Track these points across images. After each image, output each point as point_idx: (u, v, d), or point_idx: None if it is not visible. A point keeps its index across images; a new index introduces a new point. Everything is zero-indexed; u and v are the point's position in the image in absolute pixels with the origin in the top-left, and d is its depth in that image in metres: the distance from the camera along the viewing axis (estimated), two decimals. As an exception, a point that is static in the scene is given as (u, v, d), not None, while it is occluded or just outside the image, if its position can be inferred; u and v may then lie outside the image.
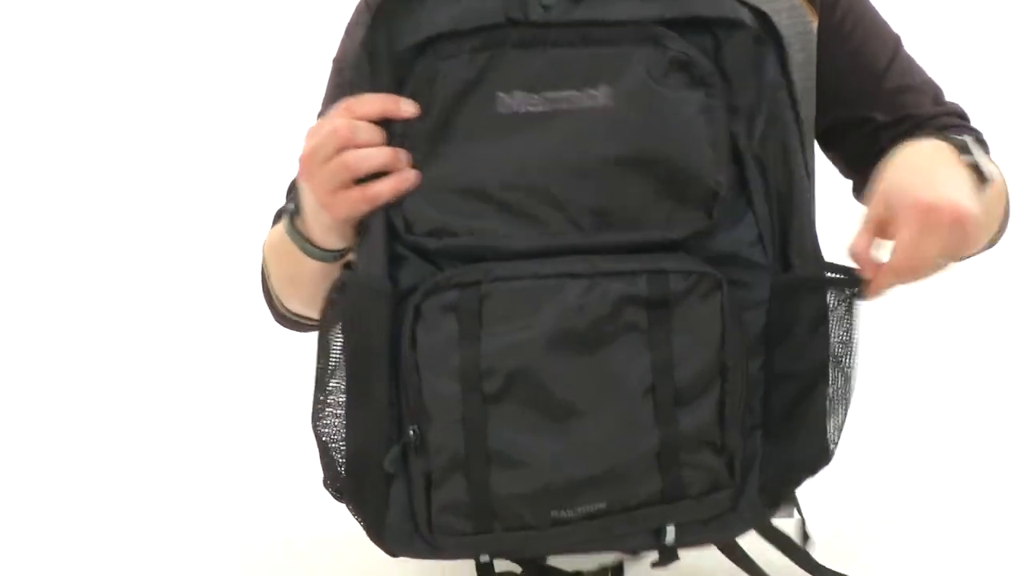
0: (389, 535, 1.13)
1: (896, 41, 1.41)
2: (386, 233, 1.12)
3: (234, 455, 2.36)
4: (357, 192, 1.11)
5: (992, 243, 1.41)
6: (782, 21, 1.33)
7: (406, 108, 1.10)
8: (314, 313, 1.32)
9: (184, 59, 2.53)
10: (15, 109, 2.53)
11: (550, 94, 1.08)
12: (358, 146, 1.10)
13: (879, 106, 1.32)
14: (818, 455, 1.13)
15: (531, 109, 1.08)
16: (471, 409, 1.07)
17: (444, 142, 1.10)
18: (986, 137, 1.37)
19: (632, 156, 1.08)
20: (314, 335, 1.17)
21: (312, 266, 1.26)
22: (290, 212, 1.26)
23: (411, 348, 1.09)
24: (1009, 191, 1.40)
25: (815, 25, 1.36)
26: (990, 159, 1.32)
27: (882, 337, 2.21)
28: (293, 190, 1.45)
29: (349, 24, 1.44)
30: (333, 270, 1.20)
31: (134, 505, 2.31)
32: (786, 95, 1.11)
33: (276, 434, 2.24)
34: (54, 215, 2.51)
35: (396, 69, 1.10)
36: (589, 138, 1.08)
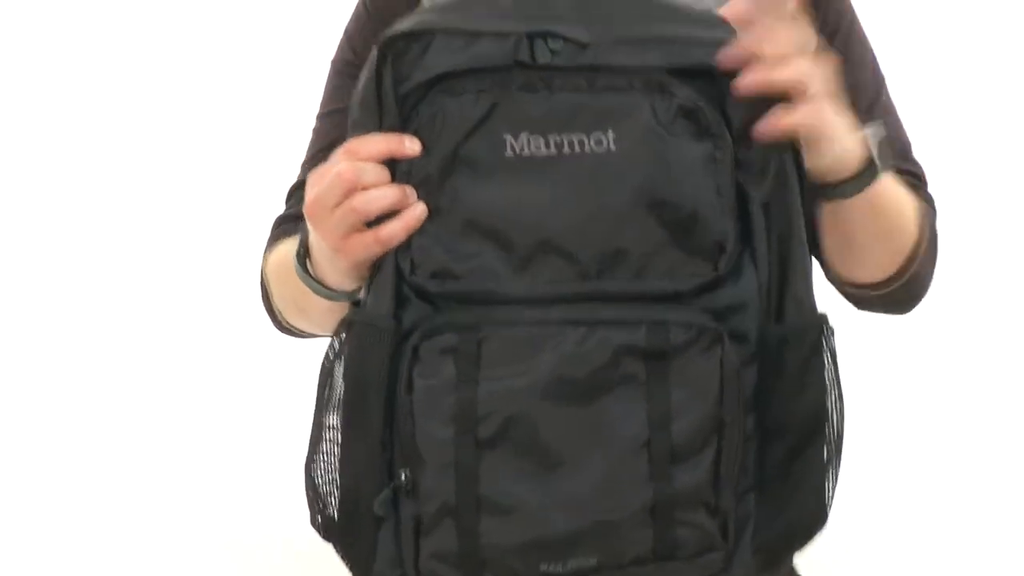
0: None
1: (879, 88, 1.40)
2: (395, 273, 1.11)
3: (234, 456, 2.35)
4: (370, 235, 1.10)
5: (895, 292, 1.35)
6: None
7: (411, 147, 1.09)
8: (320, 331, 1.31)
9: (183, 59, 2.53)
10: (15, 109, 2.53)
11: (556, 137, 1.07)
12: (365, 188, 1.09)
13: None
14: (814, 517, 1.11)
15: (537, 152, 1.07)
16: (464, 453, 1.06)
17: (450, 181, 1.08)
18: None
19: (639, 202, 1.06)
20: (313, 339, 1.17)
21: (325, 303, 1.26)
22: (299, 255, 1.24)
23: (407, 391, 1.08)
24: (931, 252, 1.36)
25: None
26: (923, 213, 1.33)
27: (877, 343, 2.21)
28: (292, 195, 1.45)
29: (348, 25, 1.44)
30: (340, 308, 1.19)
31: (134, 505, 2.30)
32: (790, 152, 1.10)
33: (276, 435, 2.24)
34: (52, 216, 2.51)
35: (401, 108, 1.09)
36: (595, 183, 1.06)
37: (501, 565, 1.07)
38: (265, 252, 1.42)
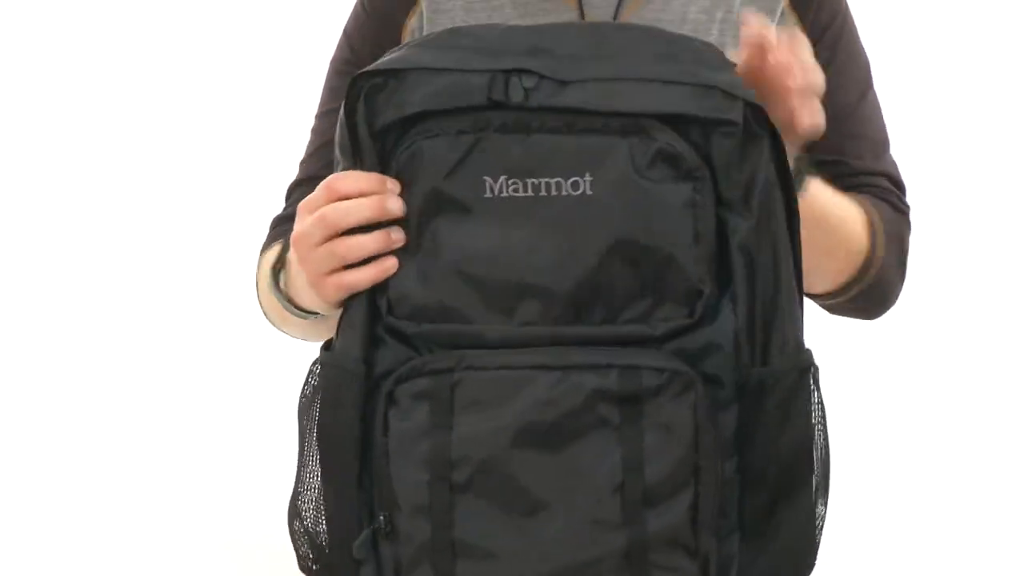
0: None
1: (866, 85, 1.40)
2: (368, 313, 1.10)
3: (235, 456, 2.36)
4: (336, 279, 1.10)
5: (851, 300, 1.36)
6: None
7: (392, 188, 1.08)
8: (309, 339, 1.32)
9: (183, 59, 2.53)
10: (15, 109, 2.53)
11: (534, 180, 1.06)
12: (350, 230, 1.09)
13: (820, 144, 1.31)
14: (802, 557, 1.10)
15: (515, 195, 1.06)
16: (438, 498, 1.06)
17: (429, 223, 1.08)
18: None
19: (614, 247, 1.06)
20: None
21: (299, 319, 1.27)
22: (275, 270, 1.25)
23: (383, 434, 1.08)
24: (895, 261, 1.36)
25: None
26: (877, 223, 1.33)
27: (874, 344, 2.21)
28: (291, 194, 1.45)
29: (347, 25, 1.44)
30: (321, 321, 1.19)
31: (135, 506, 2.31)
32: (779, 191, 1.09)
33: (276, 435, 2.24)
34: (52, 215, 2.52)
35: (380, 145, 1.09)
36: (570, 227, 1.06)
37: None
38: (260, 254, 1.42)
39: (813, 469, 1.10)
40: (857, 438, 2.12)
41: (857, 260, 1.33)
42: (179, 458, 2.34)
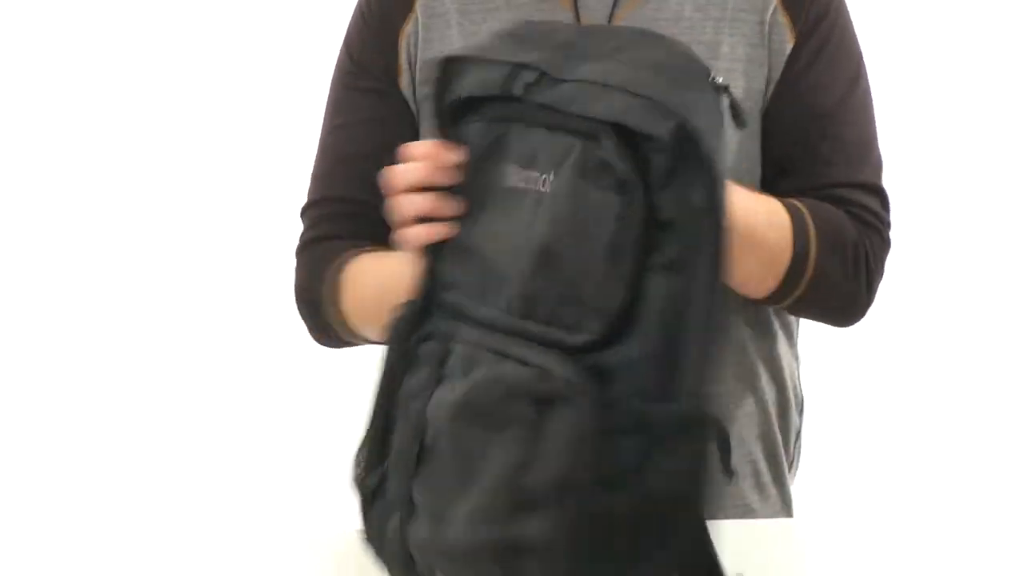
0: (369, 545, 1.17)
1: (852, 81, 1.39)
2: (426, 277, 1.16)
3: (237, 457, 2.37)
4: (401, 232, 1.16)
5: (796, 308, 1.36)
6: (772, 34, 1.35)
7: (446, 157, 1.13)
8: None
9: (185, 61, 2.54)
10: (16, 109, 2.54)
11: (527, 173, 1.09)
12: (408, 189, 1.15)
13: (798, 142, 1.30)
14: None
15: (516, 185, 1.10)
16: (411, 454, 1.12)
17: (467, 201, 1.13)
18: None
19: (542, 252, 1.07)
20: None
21: None
22: None
23: (397, 388, 1.14)
24: (848, 269, 1.34)
25: (790, 47, 1.36)
26: (811, 229, 1.30)
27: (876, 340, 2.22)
28: (306, 213, 1.47)
29: (347, 32, 1.44)
30: None
31: (136, 506, 2.32)
32: (711, 221, 1.04)
33: (278, 437, 2.25)
34: (57, 218, 2.53)
35: (450, 125, 1.14)
36: (530, 224, 1.08)
37: (424, 565, 1.12)
38: (317, 272, 1.44)
39: (678, 530, 1.05)
40: (858, 440, 2.13)
41: (780, 268, 1.31)
42: (182, 460, 2.35)
